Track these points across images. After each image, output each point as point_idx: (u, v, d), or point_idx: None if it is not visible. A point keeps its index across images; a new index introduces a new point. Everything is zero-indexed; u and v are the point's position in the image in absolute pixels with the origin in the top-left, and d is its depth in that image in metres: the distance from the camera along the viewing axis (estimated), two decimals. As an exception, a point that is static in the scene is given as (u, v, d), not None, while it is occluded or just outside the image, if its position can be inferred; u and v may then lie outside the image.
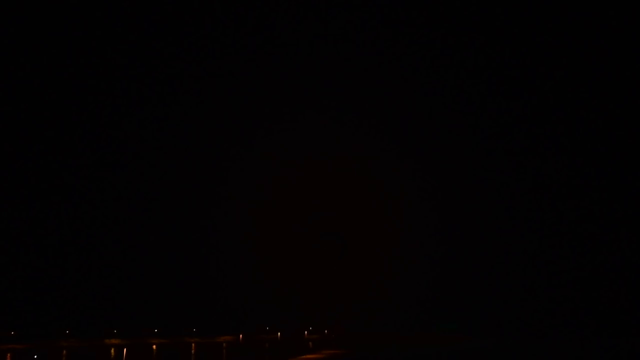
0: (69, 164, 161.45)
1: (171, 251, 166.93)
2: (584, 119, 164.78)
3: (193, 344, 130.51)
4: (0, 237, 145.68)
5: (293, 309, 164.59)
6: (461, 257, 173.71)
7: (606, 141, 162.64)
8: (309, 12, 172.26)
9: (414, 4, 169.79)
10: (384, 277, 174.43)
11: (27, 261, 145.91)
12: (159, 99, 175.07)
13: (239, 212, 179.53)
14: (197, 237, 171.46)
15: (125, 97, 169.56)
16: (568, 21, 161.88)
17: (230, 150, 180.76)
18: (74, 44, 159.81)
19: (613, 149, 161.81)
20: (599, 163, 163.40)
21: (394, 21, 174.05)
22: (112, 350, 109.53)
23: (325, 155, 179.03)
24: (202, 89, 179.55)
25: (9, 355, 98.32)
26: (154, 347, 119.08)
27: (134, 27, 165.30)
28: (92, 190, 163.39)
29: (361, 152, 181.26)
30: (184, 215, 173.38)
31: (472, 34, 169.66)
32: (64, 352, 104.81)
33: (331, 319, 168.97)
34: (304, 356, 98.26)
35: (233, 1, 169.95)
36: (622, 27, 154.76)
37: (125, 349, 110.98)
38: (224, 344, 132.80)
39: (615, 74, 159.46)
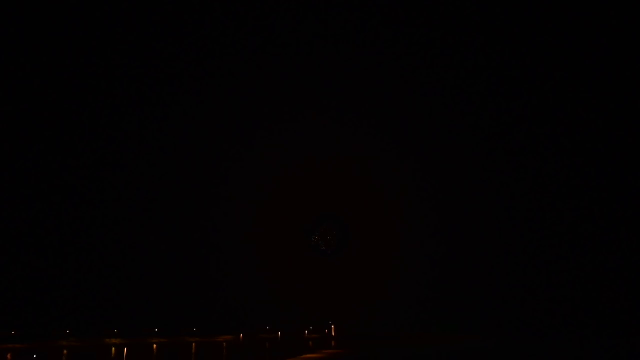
0: (69, 164, 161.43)
1: (171, 251, 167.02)
2: (584, 119, 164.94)
3: (193, 344, 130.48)
4: (1, 237, 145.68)
5: (293, 309, 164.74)
6: (461, 257, 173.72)
7: (606, 141, 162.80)
8: (309, 12, 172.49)
9: (414, 4, 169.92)
10: (384, 277, 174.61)
11: (28, 261, 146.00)
12: (159, 99, 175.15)
13: (239, 212, 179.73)
14: (197, 237, 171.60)
15: (125, 97, 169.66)
16: (568, 21, 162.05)
17: (230, 150, 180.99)
18: (74, 44, 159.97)
19: (613, 149, 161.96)
20: (599, 163, 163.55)
21: (394, 21, 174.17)
22: (113, 350, 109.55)
23: (325, 155, 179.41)
24: (202, 89, 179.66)
25: (9, 354, 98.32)
26: (155, 346, 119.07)
27: (134, 27, 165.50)
28: (92, 190, 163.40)
29: (361, 152, 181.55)
30: (184, 216, 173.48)
31: (472, 34, 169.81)
32: (65, 351, 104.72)
33: (330, 319, 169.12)
34: (305, 355, 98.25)
35: (233, 1, 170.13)
36: (622, 27, 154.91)
37: (125, 349, 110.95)
38: (224, 344, 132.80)
39: (615, 74, 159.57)
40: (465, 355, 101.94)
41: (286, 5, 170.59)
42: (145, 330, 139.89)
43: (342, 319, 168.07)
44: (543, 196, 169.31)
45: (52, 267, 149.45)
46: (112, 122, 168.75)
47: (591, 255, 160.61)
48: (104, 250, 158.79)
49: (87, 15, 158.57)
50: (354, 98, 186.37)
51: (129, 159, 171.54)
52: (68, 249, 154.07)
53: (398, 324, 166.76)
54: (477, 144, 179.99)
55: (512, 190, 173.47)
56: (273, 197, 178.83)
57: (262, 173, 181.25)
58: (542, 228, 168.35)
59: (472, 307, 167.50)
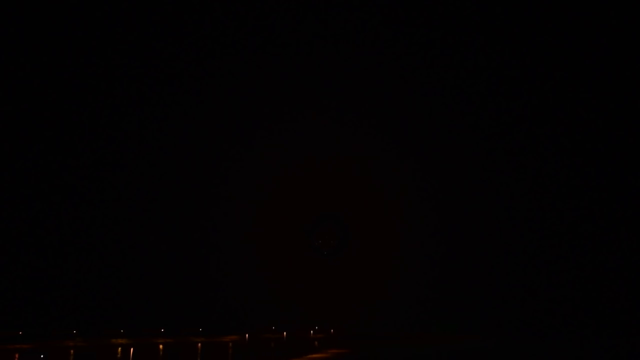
0: (69, 164, 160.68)
1: (171, 251, 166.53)
2: (584, 119, 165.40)
3: (199, 344, 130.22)
4: (7, 237, 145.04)
5: (293, 309, 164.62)
6: (461, 257, 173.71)
7: (606, 141, 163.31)
8: (309, 12, 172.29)
9: (414, 4, 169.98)
10: (384, 277, 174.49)
11: (32, 261, 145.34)
12: (159, 99, 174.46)
13: (239, 212, 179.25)
14: (197, 237, 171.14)
15: (125, 97, 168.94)
16: (568, 21, 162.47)
17: (230, 150, 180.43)
18: (74, 44, 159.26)
19: (613, 149, 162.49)
20: (599, 163, 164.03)
21: (394, 21, 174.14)
22: (119, 350, 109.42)
23: (325, 155, 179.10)
24: (202, 89, 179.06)
25: (16, 354, 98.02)
26: (160, 346, 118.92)
27: (134, 27, 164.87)
28: (92, 190, 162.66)
29: (361, 152, 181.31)
30: (184, 216, 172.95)
31: (472, 34, 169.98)
32: (71, 351, 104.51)
33: (330, 319, 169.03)
34: (310, 355, 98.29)
35: (233, 1, 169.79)
36: (622, 27, 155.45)
37: (131, 349, 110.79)
38: (230, 344, 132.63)
39: (615, 74, 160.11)
40: (465, 355, 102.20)
41: (286, 5, 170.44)
42: (151, 330, 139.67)
43: (342, 319, 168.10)
44: (543, 196, 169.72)
45: (55, 267, 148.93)
46: (112, 122, 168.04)
47: (591, 255, 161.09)
48: (104, 250, 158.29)
49: (87, 15, 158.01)
50: (354, 98, 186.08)
51: (129, 159, 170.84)
52: (69, 248, 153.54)
53: (398, 324, 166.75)
54: (477, 144, 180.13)
55: (512, 190, 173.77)
56: (273, 197, 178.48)
57: (262, 173, 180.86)
58: (542, 228, 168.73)
59: (472, 307, 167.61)
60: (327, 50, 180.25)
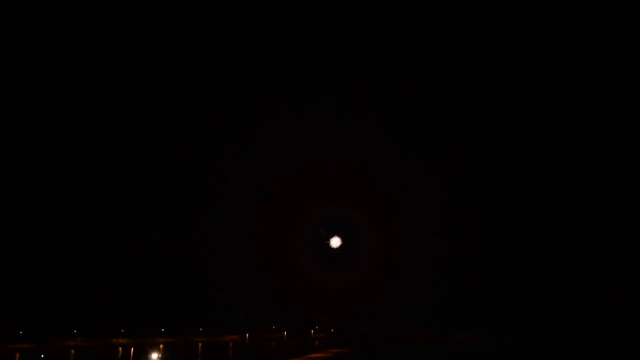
0: (69, 164, 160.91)
1: (171, 251, 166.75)
2: (584, 119, 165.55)
3: (199, 343, 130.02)
4: (7, 237, 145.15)
5: (293, 309, 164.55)
6: (461, 257, 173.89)
7: (606, 141, 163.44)
8: (309, 12, 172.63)
9: (414, 4, 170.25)
10: (384, 277, 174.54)
11: (33, 262, 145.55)
12: (159, 99, 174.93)
13: (239, 212, 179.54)
14: (197, 237, 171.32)
15: (125, 97, 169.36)
16: (568, 21, 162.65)
17: (230, 150, 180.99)
18: (74, 44, 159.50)
19: (613, 149, 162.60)
20: (599, 163, 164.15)
21: (394, 21, 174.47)
22: (120, 350, 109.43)
23: (325, 155, 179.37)
24: (202, 89, 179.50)
25: (17, 354, 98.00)
26: (161, 346, 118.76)
27: (134, 27, 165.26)
28: (92, 190, 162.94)
29: (361, 152, 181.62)
30: (184, 216, 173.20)
31: (472, 34, 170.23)
32: (72, 351, 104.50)
33: (329, 319, 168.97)
34: (311, 355, 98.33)
35: (233, 1, 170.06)
36: (622, 27, 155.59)
37: (132, 348, 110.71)
38: (230, 343, 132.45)
39: (615, 74, 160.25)
40: (465, 355, 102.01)
41: (286, 5, 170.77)
42: (151, 330, 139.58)
43: (342, 318, 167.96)
44: (543, 196, 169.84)
45: (55, 267, 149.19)
46: (112, 122, 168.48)
47: (591, 255, 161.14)
48: (104, 250, 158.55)
49: (87, 15, 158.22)
50: (354, 98, 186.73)
51: (129, 159, 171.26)
52: (69, 248, 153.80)
53: (398, 324, 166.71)
54: (477, 144, 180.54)
55: (512, 190, 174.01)
56: (273, 197, 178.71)
57: (262, 173, 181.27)
58: (542, 228, 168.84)
59: (472, 307, 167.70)
60: (327, 50, 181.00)
